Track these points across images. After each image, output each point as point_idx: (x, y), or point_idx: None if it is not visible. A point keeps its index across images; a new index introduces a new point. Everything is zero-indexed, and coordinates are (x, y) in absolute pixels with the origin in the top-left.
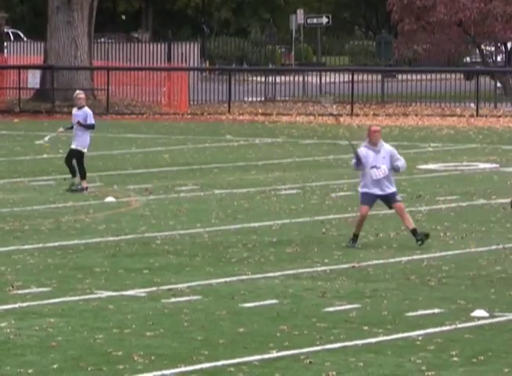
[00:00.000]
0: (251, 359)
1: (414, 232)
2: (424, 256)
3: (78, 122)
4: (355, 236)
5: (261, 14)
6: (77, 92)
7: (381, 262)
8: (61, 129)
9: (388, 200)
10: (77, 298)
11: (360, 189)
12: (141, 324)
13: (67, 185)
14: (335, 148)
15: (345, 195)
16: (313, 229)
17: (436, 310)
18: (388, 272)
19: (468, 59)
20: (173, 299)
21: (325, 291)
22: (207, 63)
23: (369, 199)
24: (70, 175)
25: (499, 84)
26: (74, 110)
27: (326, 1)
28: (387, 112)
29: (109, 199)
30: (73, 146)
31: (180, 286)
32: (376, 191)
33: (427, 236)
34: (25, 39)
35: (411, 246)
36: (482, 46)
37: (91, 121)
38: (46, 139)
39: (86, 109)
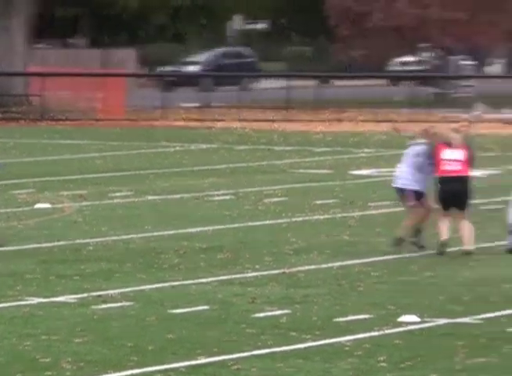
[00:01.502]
0: (179, 365)
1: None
2: (356, 261)
3: None
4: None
5: (198, 20)
6: None
7: (313, 267)
8: None
9: None
10: (7, 304)
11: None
12: (70, 331)
13: None
14: (269, 154)
15: (279, 201)
16: (246, 235)
17: (365, 315)
18: (320, 277)
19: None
20: (103, 305)
21: (255, 297)
22: (142, 68)
23: None
24: None
25: (433, 90)
26: None
27: (264, 7)
28: (322, 118)
29: (42, 205)
30: None
31: (111, 292)
32: None
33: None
34: None
35: (343, 251)
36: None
37: None
38: None
39: None
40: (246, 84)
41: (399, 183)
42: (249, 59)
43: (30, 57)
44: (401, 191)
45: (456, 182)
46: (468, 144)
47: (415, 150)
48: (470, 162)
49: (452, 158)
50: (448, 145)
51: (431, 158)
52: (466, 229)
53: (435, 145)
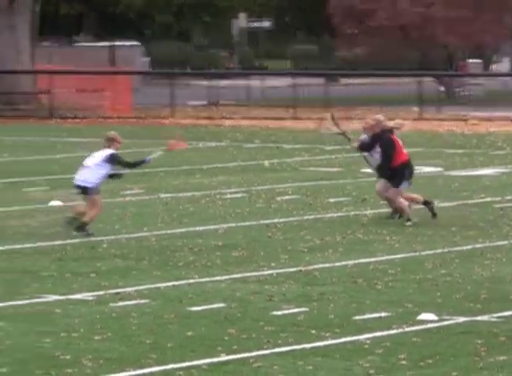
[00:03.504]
0: (200, 362)
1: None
2: (371, 260)
3: None
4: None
5: (203, 17)
6: None
7: (328, 265)
8: None
9: None
10: (24, 302)
11: None
12: (89, 328)
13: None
14: (279, 152)
15: (290, 199)
16: (259, 233)
17: (383, 313)
18: (335, 275)
19: None
20: (120, 303)
21: (272, 295)
22: (150, 66)
23: None
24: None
25: (442, 88)
26: None
27: (269, 5)
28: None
29: (55, 203)
30: None
31: (127, 289)
32: None
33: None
34: None
35: (357, 249)
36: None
37: None
38: None
39: None
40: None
41: None
42: None
43: (37, 55)
44: None
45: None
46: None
47: None
48: None
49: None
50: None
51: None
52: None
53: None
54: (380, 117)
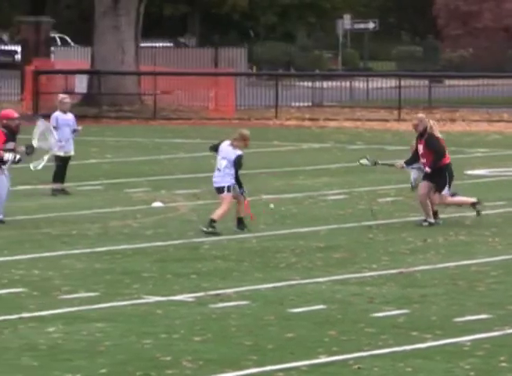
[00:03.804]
0: (300, 364)
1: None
2: (472, 262)
3: (75, 130)
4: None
5: (308, 18)
6: (63, 96)
7: (429, 267)
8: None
9: None
10: (125, 303)
11: None
12: (189, 329)
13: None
14: (382, 153)
15: (393, 200)
16: (360, 235)
17: (484, 315)
18: (436, 277)
19: None
20: (221, 304)
21: (373, 297)
22: (254, 68)
23: None
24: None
25: None
26: (59, 114)
27: (373, 6)
28: (434, 117)
29: (157, 204)
30: (72, 153)
31: (228, 291)
32: None
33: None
34: (72, 44)
35: (459, 251)
36: None
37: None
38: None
39: (71, 114)
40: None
41: None
42: None
43: (141, 56)
44: None
45: None
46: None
47: None
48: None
49: None
50: None
51: None
52: None
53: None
54: (423, 115)
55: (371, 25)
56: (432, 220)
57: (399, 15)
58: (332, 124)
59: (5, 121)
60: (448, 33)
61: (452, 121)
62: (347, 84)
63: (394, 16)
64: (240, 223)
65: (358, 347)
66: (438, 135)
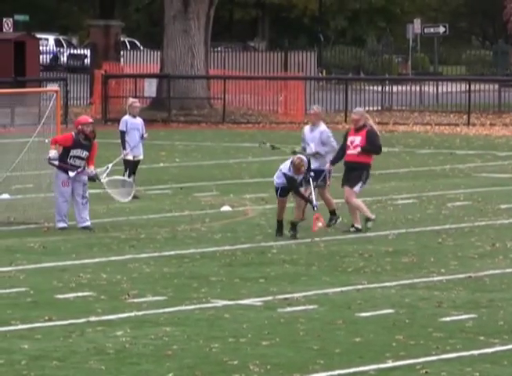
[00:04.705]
0: (367, 368)
1: (332, 213)
2: None
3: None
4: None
5: (378, 23)
6: (133, 100)
7: (498, 272)
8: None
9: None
10: (192, 307)
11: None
12: (256, 333)
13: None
14: (452, 158)
15: (462, 205)
16: (429, 239)
17: None
18: (505, 282)
19: None
20: (289, 308)
21: (441, 301)
22: (324, 72)
23: None
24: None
25: None
26: (129, 118)
27: (443, 10)
28: (504, 122)
29: (226, 208)
30: (141, 157)
31: (296, 295)
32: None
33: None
34: (141, 48)
35: None
36: None
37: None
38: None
39: (140, 118)
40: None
41: None
42: None
43: (210, 60)
44: None
45: None
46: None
47: None
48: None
49: None
50: None
51: None
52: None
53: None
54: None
55: (441, 29)
56: (372, 216)
57: (470, 19)
58: (401, 128)
59: (79, 127)
60: None
61: None
62: (417, 88)
63: (464, 21)
64: (294, 228)
65: (425, 351)
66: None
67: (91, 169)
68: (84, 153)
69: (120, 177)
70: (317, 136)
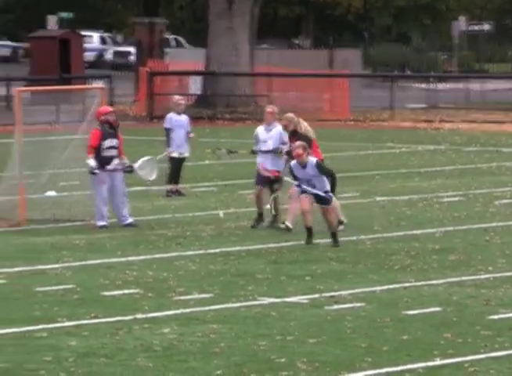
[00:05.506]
0: (415, 366)
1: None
2: None
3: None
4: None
5: (422, 20)
6: (178, 97)
7: None
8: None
9: None
10: (239, 304)
11: None
12: (304, 331)
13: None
14: (498, 155)
15: (509, 203)
16: (476, 237)
17: None
18: None
19: None
20: (335, 306)
21: (489, 299)
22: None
23: None
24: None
25: None
26: (174, 116)
27: (488, 8)
28: None
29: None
30: (186, 154)
31: (343, 293)
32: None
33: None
34: (186, 45)
35: None
36: None
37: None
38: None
39: (185, 115)
40: None
41: None
42: None
43: (255, 57)
44: None
45: None
46: None
47: None
48: None
49: None
50: None
51: None
52: None
53: None
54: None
55: (486, 27)
56: (342, 218)
57: None
58: (447, 125)
59: (102, 117)
60: None
61: None
62: (463, 85)
63: (510, 18)
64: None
65: (474, 349)
66: (312, 136)
67: (124, 160)
68: (115, 142)
69: (145, 158)
70: (275, 136)
